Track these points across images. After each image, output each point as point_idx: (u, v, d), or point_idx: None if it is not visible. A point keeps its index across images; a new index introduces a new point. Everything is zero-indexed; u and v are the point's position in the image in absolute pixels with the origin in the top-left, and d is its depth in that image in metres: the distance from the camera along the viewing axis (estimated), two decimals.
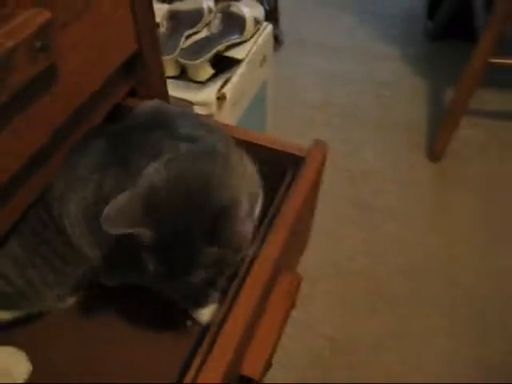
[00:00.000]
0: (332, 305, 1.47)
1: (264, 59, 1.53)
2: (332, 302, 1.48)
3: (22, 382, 0.81)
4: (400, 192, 1.76)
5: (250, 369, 0.75)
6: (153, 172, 0.67)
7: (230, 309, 0.72)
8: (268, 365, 0.78)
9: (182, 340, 0.88)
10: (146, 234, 0.65)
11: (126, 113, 0.96)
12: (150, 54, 0.94)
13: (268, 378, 0.83)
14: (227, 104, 1.33)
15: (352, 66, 2.24)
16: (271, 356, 0.78)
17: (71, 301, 0.91)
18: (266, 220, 0.85)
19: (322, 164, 0.90)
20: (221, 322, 0.72)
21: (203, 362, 0.68)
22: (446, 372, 1.34)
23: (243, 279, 0.75)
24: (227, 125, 0.98)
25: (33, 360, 0.85)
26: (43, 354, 0.87)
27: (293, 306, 0.84)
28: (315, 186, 0.91)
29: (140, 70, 0.95)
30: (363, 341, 1.40)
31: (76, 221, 0.79)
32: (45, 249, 0.81)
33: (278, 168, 0.93)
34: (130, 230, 0.63)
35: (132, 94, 0.99)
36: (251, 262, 0.76)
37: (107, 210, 0.62)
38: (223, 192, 0.68)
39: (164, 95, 1.04)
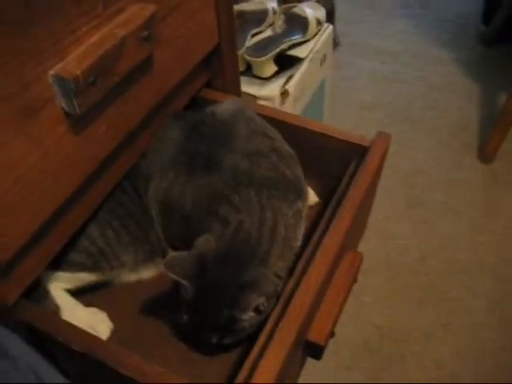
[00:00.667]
0: (382, 296, 1.52)
1: (324, 58, 1.59)
2: (382, 293, 1.53)
3: (105, 338, 0.89)
4: (451, 191, 1.79)
5: (316, 335, 0.81)
6: (206, 243, 0.80)
7: (300, 279, 0.79)
8: (331, 333, 0.84)
9: None
10: (188, 288, 0.78)
11: (201, 102, 1.05)
12: (227, 48, 1.02)
13: (318, 362, 0.88)
14: (290, 99, 1.41)
15: (404, 69, 2.28)
16: (334, 325, 0.84)
17: (147, 274, 0.98)
18: (332, 204, 0.92)
19: (385, 154, 0.96)
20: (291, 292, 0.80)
21: (275, 327, 0.75)
22: (494, 369, 1.38)
23: (312, 255, 0.82)
24: (297, 116, 1.05)
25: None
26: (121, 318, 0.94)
27: (355, 281, 0.90)
28: (378, 174, 0.98)
29: (217, 62, 1.03)
30: (412, 331, 1.45)
31: (153, 202, 0.91)
32: (122, 212, 0.91)
33: (343, 157, 1.00)
34: (180, 280, 0.77)
35: (208, 85, 1.08)
36: (319, 241, 0.83)
37: (168, 258, 0.78)
38: (255, 269, 0.79)
39: (237, 88, 1.12)
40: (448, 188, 1.80)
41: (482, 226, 1.69)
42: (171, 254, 0.78)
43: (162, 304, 0.94)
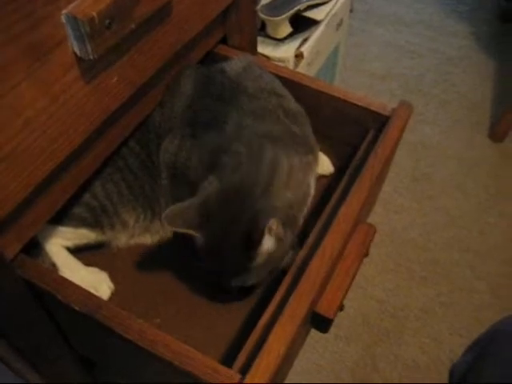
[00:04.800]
0: (385, 270, 1.50)
1: (340, 22, 1.54)
2: (385, 267, 1.51)
3: (106, 298, 0.87)
4: (459, 168, 1.76)
5: (325, 308, 0.78)
6: (208, 186, 0.78)
7: (313, 249, 0.76)
8: (340, 307, 0.81)
9: None
10: (197, 236, 0.76)
11: (215, 59, 1.00)
12: (246, 3, 0.97)
13: (317, 334, 0.85)
14: (303, 63, 1.36)
15: (419, 40, 2.22)
16: (343, 298, 0.81)
17: (148, 239, 0.95)
18: (349, 173, 0.89)
19: (406, 125, 0.92)
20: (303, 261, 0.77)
21: (286, 296, 0.73)
22: None
23: (327, 224, 0.79)
24: (315, 79, 1.00)
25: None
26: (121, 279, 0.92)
27: (366, 254, 0.87)
28: (397, 145, 0.94)
29: (235, 18, 0.98)
30: (413, 308, 1.43)
31: (163, 165, 0.88)
32: (123, 166, 0.88)
33: (360, 125, 0.96)
34: (186, 230, 0.75)
35: (224, 42, 1.03)
36: (335, 210, 0.80)
37: (168, 211, 0.74)
38: (262, 203, 0.76)
39: (253, 46, 1.07)
40: (456, 165, 1.77)
41: (489, 206, 1.66)
42: (169, 208, 0.75)
43: (163, 267, 0.92)
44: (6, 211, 0.61)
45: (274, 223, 0.74)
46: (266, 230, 0.73)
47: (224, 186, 0.78)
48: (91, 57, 0.61)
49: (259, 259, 0.76)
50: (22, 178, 0.61)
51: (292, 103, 0.92)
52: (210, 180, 0.79)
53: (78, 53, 0.61)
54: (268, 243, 0.75)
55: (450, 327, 1.40)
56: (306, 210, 0.86)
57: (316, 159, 0.90)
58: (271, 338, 0.65)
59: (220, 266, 0.78)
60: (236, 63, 0.94)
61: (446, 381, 0.82)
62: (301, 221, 0.85)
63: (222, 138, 0.83)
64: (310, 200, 0.87)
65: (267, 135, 0.83)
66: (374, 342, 1.37)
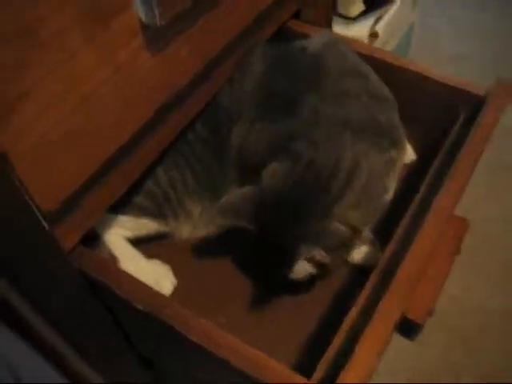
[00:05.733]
0: (461, 266, 1.38)
1: (415, 0, 1.43)
2: (462, 263, 1.39)
3: (168, 293, 0.81)
4: None
5: (415, 312, 0.70)
6: (269, 175, 0.72)
7: (402, 246, 0.67)
8: (430, 311, 0.72)
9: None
10: (252, 230, 0.71)
11: (288, 34, 0.92)
12: None
13: None
14: (378, 42, 1.26)
15: (497, 21, 2.07)
16: (435, 302, 0.73)
17: (213, 230, 0.88)
18: (439, 160, 0.79)
19: (505, 106, 0.81)
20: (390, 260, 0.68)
21: (370, 303, 0.64)
22: None
23: (417, 218, 0.70)
24: (397, 56, 0.91)
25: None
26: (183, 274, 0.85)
27: (458, 251, 0.78)
28: (492, 132, 0.83)
29: None
30: (492, 310, 1.32)
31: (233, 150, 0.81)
32: (188, 152, 0.82)
33: (448, 107, 0.86)
34: (237, 223, 0.71)
35: (297, 16, 0.94)
36: (426, 201, 0.71)
37: (222, 201, 0.71)
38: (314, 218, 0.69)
39: (328, 21, 0.99)
40: None
41: None
42: (224, 198, 0.72)
43: (229, 261, 0.86)
44: (63, 198, 0.56)
45: (315, 254, 0.67)
46: (301, 259, 0.67)
47: (287, 181, 0.71)
48: (158, 23, 0.55)
49: (295, 276, 0.71)
50: (80, 161, 0.56)
51: (379, 86, 0.83)
52: (274, 168, 0.72)
53: (143, 18, 0.55)
54: (304, 269, 0.70)
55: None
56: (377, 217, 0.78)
57: (401, 155, 0.81)
58: (361, 346, 0.56)
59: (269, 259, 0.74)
60: (317, 40, 0.86)
61: None
62: (367, 231, 0.78)
63: (296, 123, 0.76)
64: (385, 207, 0.78)
65: (349, 124, 0.75)
66: (451, 345, 1.27)
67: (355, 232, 0.72)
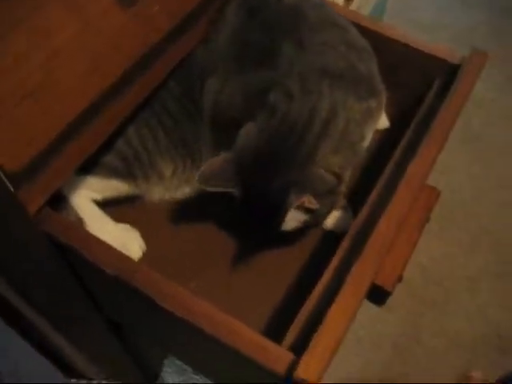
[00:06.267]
0: (430, 235, 1.40)
1: None
2: (430, 231, 1.41)
3: (137, 258, 0.80)
4: None
5: (384, 279, 0.70)
6: (245, 135, 0.72)
7: (375, 211, 0.68)
8: (399, 278, 0.73)
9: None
10: (236, 193, 0.72)
11: None
12: None
13: None
14: (353, 6, 1.24)
15: None
16: (403, 269, 0.73)
17: (184, 192, 0.87)
18: (413, 127, 0.80)
19: (479, 75, 0.82)
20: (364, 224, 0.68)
21: (343, 265, 0.65)
22: None
23: (391, 183, 0.71)
24: (374, 20, 0.89)
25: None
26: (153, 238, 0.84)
27: (427, 220, 0.78)
28: (466, 101, 0.83)
29: None
30: (460, 276, 1.35)
31: (205, 106, 0.80)
32: (159, 110, 0.80)
33: (424, 74, 0.86)
34: (222, 189, 0.71)
35: None
36: (400, 168, 0.71)
37: (202, 169, 0.70)
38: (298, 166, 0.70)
39: None
40: (510, 125, 1.65)
41: None
42: (204, 166, 0.71)
43: (201, 224, 0.84)
44: (30, 156, 0.54)
45: (305, 200, 0.67)
46: (293, 207, 0.67)
47: (263, 136, 0.71)
48: None
49: (287, 227, 0.71)
50: (49, 118, 0.54)
51: (356, 37, 0.82)
52: (248, 128, 0.72)
53: None
54: (295, 218, 0.71)
55: (498, 300, 1.31)
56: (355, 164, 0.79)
57: (380, 106, 0.81)
58: (332, 311, 0.57)
59: (256, 218, 0.74)
60: None
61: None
62: (348, 177, 0.77)
63: (272, 74, 0.75)
64: (362, 154, 0.80)
65: (326, 72, 0.74)
66: (418, 312, 1.30)
67: (338, 178, 0.73)
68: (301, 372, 0.52)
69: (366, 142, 0.78)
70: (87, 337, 0.86)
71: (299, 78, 0.73)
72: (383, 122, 0.93)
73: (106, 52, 0.57)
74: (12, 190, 0.53)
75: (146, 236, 0.82)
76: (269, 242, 0.80)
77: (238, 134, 0.72)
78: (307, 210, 0.70)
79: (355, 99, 0.74)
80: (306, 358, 0.53)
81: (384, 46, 0.86)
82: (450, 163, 1.53)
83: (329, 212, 0.76)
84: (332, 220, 0.82)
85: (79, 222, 0.79)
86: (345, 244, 0.68)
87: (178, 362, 1.21)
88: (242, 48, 0.79)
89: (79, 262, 0.65)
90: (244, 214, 0.75)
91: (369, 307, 1.24)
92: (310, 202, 0.68)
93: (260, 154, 0.71)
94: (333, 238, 0.79)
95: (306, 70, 0.74)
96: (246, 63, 0.77)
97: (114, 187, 0.81)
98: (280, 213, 0.67)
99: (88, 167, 0.76)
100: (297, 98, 0.72)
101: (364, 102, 0.75)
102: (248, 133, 0.72)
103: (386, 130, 0.93)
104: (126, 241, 0.80)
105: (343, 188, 0.76)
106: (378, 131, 0.93)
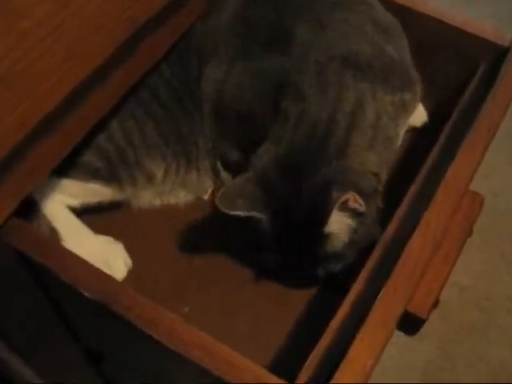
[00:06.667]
0: (471, 248, 1.39)
1: None
2: (470, 246, 1.40)
3: (122, 277, 0.80)
4: None
5: (417, 305, 0.69)
6: (264, 154, 0.73)
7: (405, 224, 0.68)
8: (435, 303, 0.72)
9: None
10: (264, 219, 0.71)
11: None
12: None
13: None
14: None
15: None
16: (440, 292, 0.73)
17: (178, 198, 0.89)
18: (452, 122, 0.78)
19: None
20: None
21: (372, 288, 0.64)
22: None
23: (424, 191, 0.70)
24: None
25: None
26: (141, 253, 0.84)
27: (470, 233, 0.78)
28: None
29: None
30: (503, 297, 1.35)
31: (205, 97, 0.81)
32: (149, 99, 0.80)
33: (465, 57, 0.86)
34: (247, 213, 0.69)
35: None
36: (437, 172, 0.71)
37: (223, 191, 0.69)
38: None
39: None
40: None
41: None
42: (222, 188, 0.72)
43: (199, 238, 0.85)
44: None
45: (350, 197, 0.66)
46: (337, 208, 0.66)
47: (282, 147, 0.72)
48: None
49: (335, 243, 0.71)
50: (20, 110, 0.53)
51: (384, 14, 0.82)
52: (265, 147, 0.74)
53: None
54: (341, 223, 0.70)
55: None
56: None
57: (415, 97, 0.81)
58: (356, 346, 0.56)
59: (296, 253, 0.72)
60: None
61: None
62: (384, 178, 0.78)
63: (284, 63, 0.76)
64: (395, 152, 0.81)
65: (350, 60, 0.74)
66: (453, 339, 1.29)
67: (377, 177, 0.74)
68: None
69: (399, 142, 0.79)
70: (62, 371, 0.86)
71: (316, 69, 0.73)
72: (420, 116, 0.93)
73: (86, 35, 0.57)
74: None
75: (132, 250, 0.83)
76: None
77: (257, 155, 0.74)
78: (353, 214, 0.70)
79: (386, 91, 0.75)
80: None
81: (415, 24, 0.86)
82: (493, 164, 1.52)
83: (376, 220, 0.75)
84: None
85: (53, 233, 0.79)
86: (370, 265, 0.67)
87: None
88: (248, 27, 0.79)
89: (52, 282, 0.65)
90: (275, 254, 0.74)
91: (397, 334, 1.24)
92: (355, 200, 0.67)
93: (284, 166, 0.71)
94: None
95: (325, 57, 0.74)
96: (253, 46, 0.78)
97: (95, 192, 0.81)
98: (322, 222, 0.67)
99: (64, 168, 0.76)
100: (312, 95, 0.72)
101: (397, 93, 0.76)
102: (266, 151, 0.73)
103: (422, 128, 0.94)
104: (109, 256, 0.80)
105: (381, 188, 0.76)
106: (414, 129, 0.93)
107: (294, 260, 0.73)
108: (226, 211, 0.68)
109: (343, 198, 0.65)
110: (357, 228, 0.71)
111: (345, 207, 0.67)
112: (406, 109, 0.78)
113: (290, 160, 0.71)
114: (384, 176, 0.76)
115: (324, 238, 0.70)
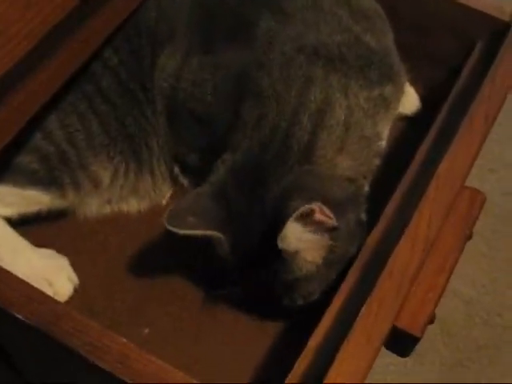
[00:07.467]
0: (477, 255, 1.42)
1: None
2: (478, 250, 1.42)
3: (66, 297, 0.80)
4: None
5: (408, 321, 0.69)
6: (220, 165, 0.74)
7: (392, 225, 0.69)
8: (431, 318, 0.73)
9: None
10: (221, 239, 0.71)
11: None
12: None
13: None
14: None
15: None
16: (435, 305, 0.73)
17: (131, 205, 0.90)
18: (447, 106, 0.81)
19: None
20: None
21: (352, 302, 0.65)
22: None
23: (415, 189, 0.72)
24: None
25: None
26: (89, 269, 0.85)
27: (469, 236, 0.79)
28: None
29: None
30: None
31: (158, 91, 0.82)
32: (93, 90, 0.81)
33: (462, 34, 0.88)
34: (200, 232, 0.70)
35: None
36: (428, 166, 0.73)
37: (172, 208, 0.69)
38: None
39: None
40: None
41: None
42: (175, 204, 0.72)
43: (156, 251, 0.86)
44: None
45: (315, 209, 0.66)
46: (296, 221, 0.66)
47: (243, 153, 0.73)
48: None
49: (304, 264, 0.71)
50: None
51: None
52: (224, 157, 0.75)
53: None
54: (307, 240, 0.69)
55: None
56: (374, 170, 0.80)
57: (397, 92, 0.83)
58: (335, 369, 0.56)
59: (260, 280, 0.73)
60: None
61: None
62: (367, 188, 0.79)
63: (247, 57, 0.77)
64: (381, 154, 0.81)
65: (320, 51, 0.76)
66: (458, 361, 1.30)
67: (353, 183, 0.75)
68: None
69: (383, 142, 0.80)
70: None
71: (281, 62, 0.75)
72: (412, 102, 0.95)
73: (17, 11, 0.56)
74: None
75: (78, 266, 0.83)
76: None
77: (214, 168, 0.75)
78: (323, 228, 0.69)
79: (361, 85, 0.76)
80: None
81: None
82: (500, 157, 1.54)
83: (355, 235, 0.74)
84: None
85: None
86: (353, 274, 0.68)
87: None
88: (206, 13, 0.81)
89: None
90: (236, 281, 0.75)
91: (391, 357, 1.25)
92: (321, 211, 0.66)
93: (241, 177, 0.72)
94: None
95: (292, 48, 0.76)
96: (212, 36, 0.79)
97: (32, 199, 0.81)
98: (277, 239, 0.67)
99: None
100: (273, 93, 0.74)
101: (375, 87, 0.77)
102: (223, 161, 0.74)
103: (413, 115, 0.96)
104: (50, 273, 0.80)
105: (362, 199, 0.77)
106: (404, 117, 0.94)
107: (259, 288, 0.73)
108: (175, 230, 0.67)
109: (302, 210, 0.64)
110: (332, 245, 0.70)
111: (310, 221, 0.66)
112: (386, 104, 0.79)
113: (248, 170, 0.72)
114: (364, 182, 0.78)
115: (288, 259, 0.69)
